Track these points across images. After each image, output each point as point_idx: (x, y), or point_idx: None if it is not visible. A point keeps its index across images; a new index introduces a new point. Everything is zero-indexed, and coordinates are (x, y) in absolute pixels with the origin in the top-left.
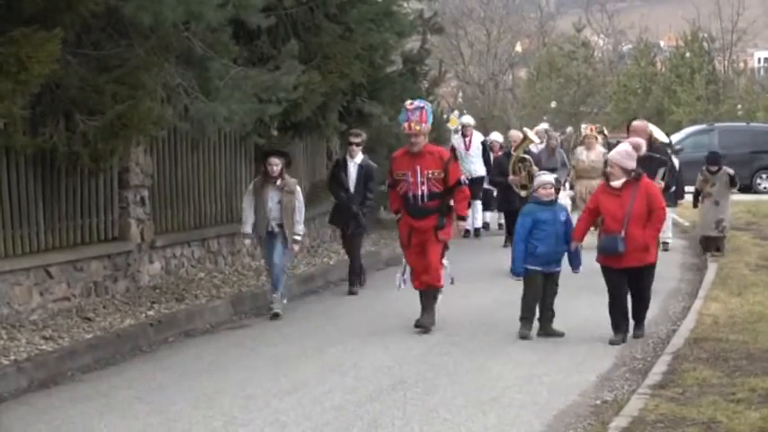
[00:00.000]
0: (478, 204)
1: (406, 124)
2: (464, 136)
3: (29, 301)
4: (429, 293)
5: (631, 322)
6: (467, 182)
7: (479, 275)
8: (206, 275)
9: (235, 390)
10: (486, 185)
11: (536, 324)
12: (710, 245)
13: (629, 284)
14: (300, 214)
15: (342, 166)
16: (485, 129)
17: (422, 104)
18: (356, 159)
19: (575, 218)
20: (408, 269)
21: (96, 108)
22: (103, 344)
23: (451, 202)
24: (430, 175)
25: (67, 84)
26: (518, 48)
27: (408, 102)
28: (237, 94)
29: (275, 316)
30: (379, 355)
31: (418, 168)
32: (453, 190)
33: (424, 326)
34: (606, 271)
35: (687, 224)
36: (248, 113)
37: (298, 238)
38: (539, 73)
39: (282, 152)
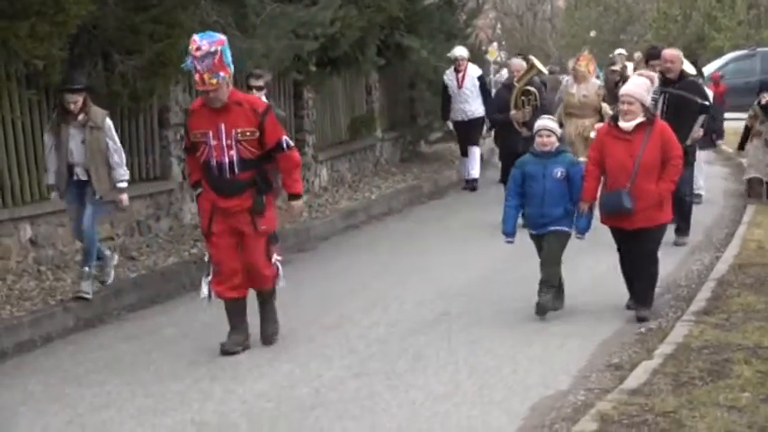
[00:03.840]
0: (476, 151)
1: (196, 76)
2: (457, 71)
3: (73, 242)
4: (265, 297)
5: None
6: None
7: None
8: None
9: (279, 325)
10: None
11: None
12: (759, 190)
13: (635, 251)
14: (120, 156)
15: None
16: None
17: (212, 46)
18: None
19: None
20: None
21: (134, 48)
22: (148, 282)
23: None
24: (239, 136)
25: (105, 24)
26: None
27: (193, 44)
28: (274, 31)
29: (81, 299)
30: (423, 288)
31: (222, 127)
32: (273, 156)
33: (266, 339)
34: (614, 232)
35: (731, 150)
36: (285, 50)
37: (122, 185)
38: (577, 2)
39: (79, 89)
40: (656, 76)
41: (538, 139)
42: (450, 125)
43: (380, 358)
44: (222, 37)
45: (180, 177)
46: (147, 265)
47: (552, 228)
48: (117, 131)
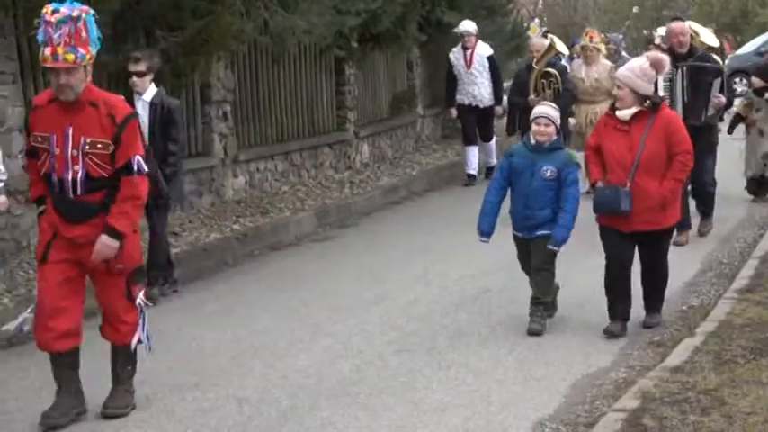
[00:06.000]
0: (492, 144)
1: (47, 50)
2: (465, 48)
3: None
4: (119, 353)
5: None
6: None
7: None
8: (290, 189)
9: (320, 301)
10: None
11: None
12: (762, 188)
13: (639, 255)
14: None
15: None
16: (567, 36)
17: (73, 11)
18: (145, 96)
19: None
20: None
21: (176, 24)
22: (190, 258)
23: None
24: (88, 148)
25: (147, 0)
26: None
27: (48, 8)
28: (316, 7)
29: None
30: (464, 264)
31: (69, 132)
32: (119, 177)
33: (110, 413)
34: (606, 232)
35: None
36: (327, 26)
37: None
38: None
39: None
40: (667, 60)
41: (534, 128)
42: (454, 113)
43: (421, 334)
44: (88, 8)
45: (222, 153)
46: (189, 241)
47: (540, 232)
48: None
